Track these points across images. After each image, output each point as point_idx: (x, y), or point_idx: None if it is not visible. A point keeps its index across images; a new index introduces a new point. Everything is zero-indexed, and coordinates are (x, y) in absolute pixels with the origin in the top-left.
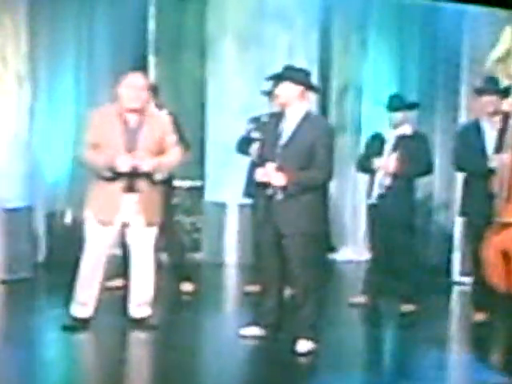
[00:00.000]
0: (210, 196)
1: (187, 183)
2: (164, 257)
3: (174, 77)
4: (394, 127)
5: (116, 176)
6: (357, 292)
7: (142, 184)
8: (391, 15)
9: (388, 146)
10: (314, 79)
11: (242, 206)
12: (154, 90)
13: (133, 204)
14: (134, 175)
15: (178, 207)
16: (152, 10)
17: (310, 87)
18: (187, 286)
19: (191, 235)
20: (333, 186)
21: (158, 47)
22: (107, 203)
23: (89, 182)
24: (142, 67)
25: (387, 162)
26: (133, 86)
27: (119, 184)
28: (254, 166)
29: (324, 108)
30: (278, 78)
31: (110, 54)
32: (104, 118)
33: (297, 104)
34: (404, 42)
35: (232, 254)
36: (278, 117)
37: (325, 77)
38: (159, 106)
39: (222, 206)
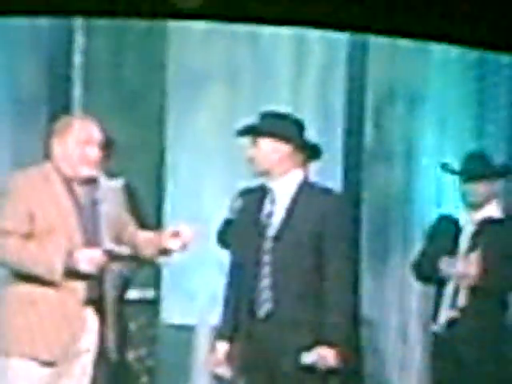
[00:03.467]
0: (168, 314)
1: (132, 294)
2: None
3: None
4: (474, 207)
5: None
6: None
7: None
8: None
9: (465, 239)
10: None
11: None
12: (107, 147)
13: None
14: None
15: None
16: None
17: (303, 145)
18: None
19: (137, 379)
20: (365, 306)
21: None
22: (59, 328)
23: None
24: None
25: (464, 266)
26: (87, 141)
27: (78, 295)
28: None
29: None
30: (251, 133)
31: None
32: (38, 189)
33: (287, 172)
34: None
35: None
36: (260, 193)
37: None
38: (110, 174)
39: (187, 331)
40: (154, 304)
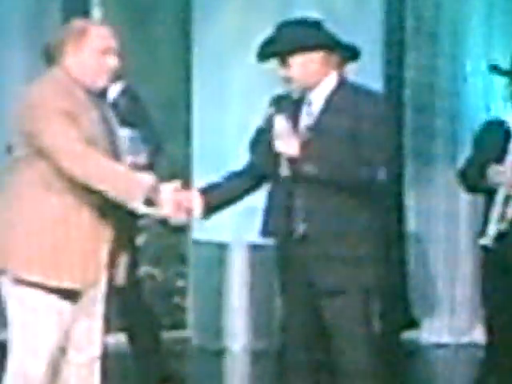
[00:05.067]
0: (200, 232)
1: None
2: (121, 341)
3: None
4: None
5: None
6: None
7: None
8: None
9: None
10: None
11: (255, 249)
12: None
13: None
14: None
15: (144, 252)
16: None
17: (333, 46)
18: None
19: (168, 299)
20: (411, 217)
21: None
22: (87, 258)
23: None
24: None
25: None
26: (105, 51)
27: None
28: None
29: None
30: (277, 55)
31: None
32: (71, 96)
33: (322, 79)
34: None
35: (241, 334)
36: (293, 102)
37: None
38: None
39: (221, 249)
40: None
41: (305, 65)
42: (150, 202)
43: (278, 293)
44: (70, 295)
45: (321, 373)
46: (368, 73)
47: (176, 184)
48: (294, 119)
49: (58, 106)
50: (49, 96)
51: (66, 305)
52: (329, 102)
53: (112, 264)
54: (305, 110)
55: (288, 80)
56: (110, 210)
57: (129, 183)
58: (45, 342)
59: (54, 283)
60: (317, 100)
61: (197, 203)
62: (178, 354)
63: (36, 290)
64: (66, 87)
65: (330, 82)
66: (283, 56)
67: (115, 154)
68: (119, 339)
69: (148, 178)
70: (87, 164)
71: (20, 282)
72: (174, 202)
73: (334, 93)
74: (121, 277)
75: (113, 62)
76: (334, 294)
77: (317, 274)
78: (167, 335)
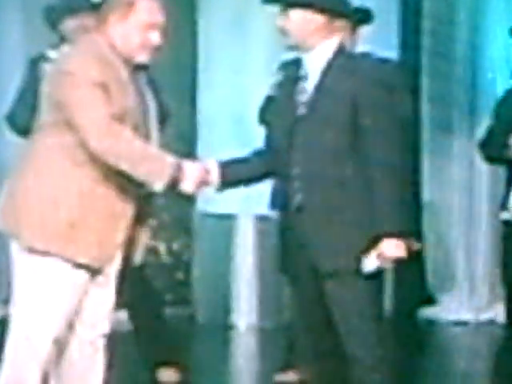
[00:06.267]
0: (205, 204)
1: None
2: (122, 317)
3: None
4: None
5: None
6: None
7: None
8: None
9: None
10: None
11: (263, 220)
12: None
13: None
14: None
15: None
16: None
17: (340, 13)
18: (169, 375)
19: (172, 273)
20: (427, 189)
21: None
22: (104, 235)
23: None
24: None
25: None
26: (151, 26)
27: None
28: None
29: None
30: (280, 2)
31: None
32: (109, 67)
33: (320, 42)
34: None
35: (247, 309)
36: (296, 68)
37: None
38: None
39: (227, 220)
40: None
41: (304, 22)
42: (172, 181)
43: (282, 272)
44: (85, 268)
45: (331, 355)
46: (384, 40)
47: (200, 163)
48: (293, 89)
49: (92, 77)
50: (85, 65)
51: (79, 277)
52: (329, 67)
53: (130, 242)
54: (300, 84)
55: (284, 32)
56: (129, 187)
57: (157, 164)
58: (54, 313)
59: (68, 256)
60: (314, 66)
61: (215, 176)
62: (182, 331)
63: (49, 258)
64: (105, 57)
65: (330, 47)
66: (284, 6)
67: (147, 128)
68: (121, 316)
69: (173, 159)
70: (115, 143)
71: (33, 251)
72: (196, 179)
73: (334, 58)
74: (139, 256)
75: (156, 37)
76: (334, 276)
77: (315, 252)
78: (171, 312)
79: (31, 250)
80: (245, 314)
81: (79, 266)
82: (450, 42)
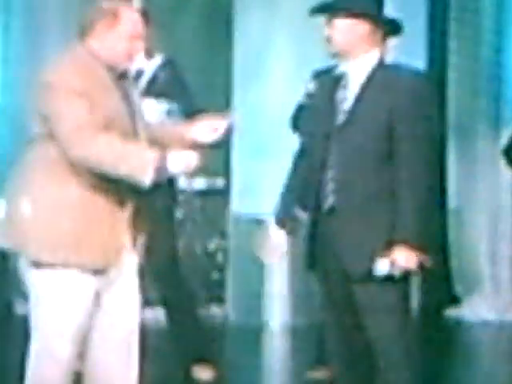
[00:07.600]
0: (240, 206)
1: (199, 183)
2: (157, 316)
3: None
4: None
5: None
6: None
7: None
8: None
9: None
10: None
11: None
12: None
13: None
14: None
15: (183, 226)
16: None
17: (382, 23)
18: (203, 373)
19: (207, 275)
20: (452, 192)
21: None
22: (107, 239)
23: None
24: None
25: None
26: (135, 36)
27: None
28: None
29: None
30: (326, 11)
31: None
32: (88, 81)
33: (363, 52)
34: None
35: (280, 308)
36: (335, 77)
37: None
38: (149, 51)
39: (261, 223)
40: (223, 194)
41: (348, 30)
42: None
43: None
44: (93, 273)
45: (361, 354)
46: (411, 52)
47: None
48: (332, 97)
49: (73, 87)
50: (66, 76)
51: (88, 283)
52: (363, 92)
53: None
54: (340, 92)
55: (328, 40)
56: (127, 190)
57: (138, 160)
58: (70, 321)
59: (74, 264)
60: (355, 76)
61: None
62: (216, 329)
63: (56, 270)
64: (87, 66)
65: (372, 58)
66: (329, 15)
67: (135, 134)
68: (158, 314)
69: (155, 152)
70: (90, 149)
71: (40, 264)
72: (184, 162)
73: (372, 73)
74: (138, 256)
75: (140, 47)
76: (363, 278)
77: (345, 254)
78: (205, 311)
79: (38, 265)
80: (277, 312)
81: (86, 271)
82: (475, 50)
